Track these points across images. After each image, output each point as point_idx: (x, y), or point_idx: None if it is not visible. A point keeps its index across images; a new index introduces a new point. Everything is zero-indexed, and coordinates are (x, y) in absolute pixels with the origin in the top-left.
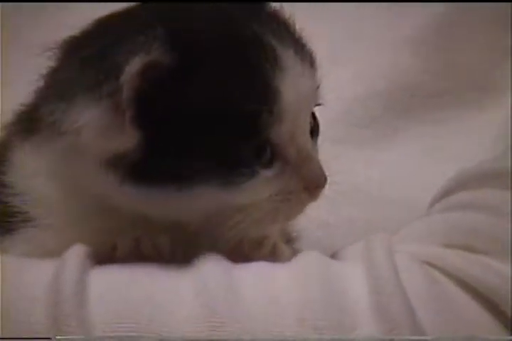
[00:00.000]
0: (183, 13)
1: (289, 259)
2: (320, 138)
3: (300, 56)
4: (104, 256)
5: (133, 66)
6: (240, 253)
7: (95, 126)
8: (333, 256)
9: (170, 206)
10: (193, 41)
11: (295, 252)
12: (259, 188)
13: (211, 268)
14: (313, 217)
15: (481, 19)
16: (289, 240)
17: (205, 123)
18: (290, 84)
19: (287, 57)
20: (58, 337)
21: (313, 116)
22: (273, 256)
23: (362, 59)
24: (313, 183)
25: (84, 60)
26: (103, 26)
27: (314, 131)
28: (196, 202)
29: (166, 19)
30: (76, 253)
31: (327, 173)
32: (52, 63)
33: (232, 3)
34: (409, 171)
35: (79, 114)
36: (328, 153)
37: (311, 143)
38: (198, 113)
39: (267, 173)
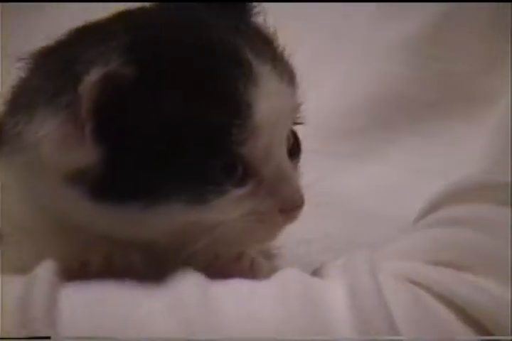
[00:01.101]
0: (152, 23)
1: (267, 276)
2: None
3: (278, 73)
4: (75, 272)
5: (91, 76)
6: (216, 269)
7: (54, 139)
8: (314, 273)
9: (135, 224)
10: (159, 52)
11: (274, 269)
12: (229, 207)
13: (186, 284)
14: (292, 233)
15: (472, 27)
16: (268, 257)
17: (169, 138)
18: (264, 101)
19: (264, 73)
20: (58, 337)
21: (295, 135)
22: (251, 272)
23: (346, 67)
24: (288, 205)
25: (49, 71)
26: (73, 36)
27: (294, 150)
28: (162, 220)
29: (133, 29)
30: (45, 270)
31: (306, 187)
32: (22, 73)
33: (211, 13)
34: (394, 184)
35: (39, 125)
36: (308, 165)
37: (290, 163)
38: (162, 127)
39: (237, 192)
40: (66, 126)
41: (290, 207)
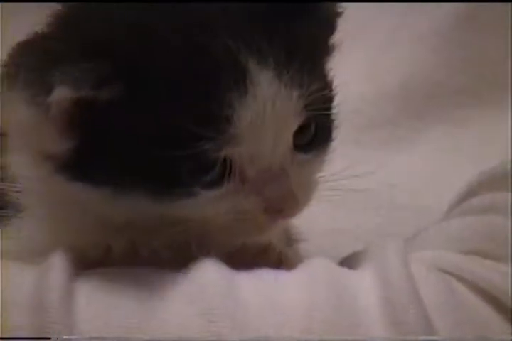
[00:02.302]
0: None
1: (295, 267)
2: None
3: (281, 76)
4: (96, 258)
5: (60, 92)
6: (242, 260)
7: (27, 124)
8: (342, 262)
9: (110, 207)
10: (132, 59)
11: (301, 259)
12: (200, 207)
13: (208, 274)
14: (320, 223)
15: (502, 13)
16: (293, 245)
17: (138, 139)
18: (255, 107)
19: (261, 79)
20: (58, 337)
21: (319, 126)
22: (279, 264)
23: (374, 54)
24: (274, 205)
25: (29, 66)
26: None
27: (313, 143)
28: (134, 209)
29: (108, 45)
30: (60, 258)
31: (335, 176)
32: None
33: (214, 11)
34: (425, 174)
35: (15, 109)
36: (336, 155)
37: (289, 160)
38: (131, 128)
39: (209, 193)
40: (38, 117)
41: (276, 207)
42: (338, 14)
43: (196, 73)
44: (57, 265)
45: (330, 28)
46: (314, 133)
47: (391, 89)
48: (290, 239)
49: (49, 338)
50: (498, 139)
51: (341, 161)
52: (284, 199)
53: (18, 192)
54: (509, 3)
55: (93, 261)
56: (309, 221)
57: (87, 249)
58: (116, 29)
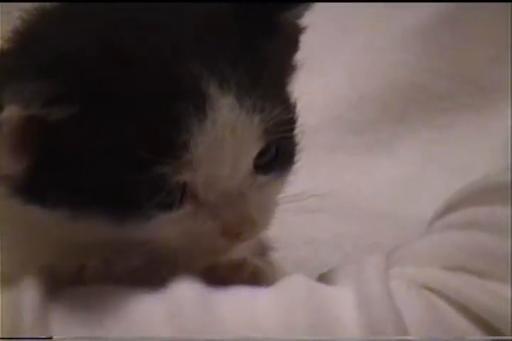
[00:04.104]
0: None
1: (271, 284)
2: (308, 145)
3: (243, 102)
4: (70, 277)
5: (12, 110)
6: (217, 277)
7: None
8: (321, 278)
9: (66, 229)
10: (92, 81)
11: (278, 272)
12: (158, 229)
13: (186, 291)
14: (298, 233)
15: (487, 16)
16: (266, 250)
17: (90, 162)
18: (213, 133)
19: (221, 104)
20: (58, 337)
21: (282, 147)
22: (254, 280)
23: (355, 57)
24: (231, 229)
25: None
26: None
27: (276, 164)
28: (90, 231)
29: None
30: (32, 281)
31: (313, 185)
32: None
33: (178, 31)
34: (407, 182)
35: None
36: (316, 161)
37: (251, 182)
38: (86, 149)
39: (166, 216)
40: None
41: (234, 230)
42: (302, 31)
43: (154, 95)
44: (29, 287)
45: (293, 46)
46: (275, 155)
47: (373, 93)
48: (264, 248)
49: (50, 338)
50: (482, 147)
51: (324, 167)
52: (241, 223)
53: None
54: (492, 4)
55: (67, 280)
56: (286, 230)
57: (59, 269)
58: (74, 47)
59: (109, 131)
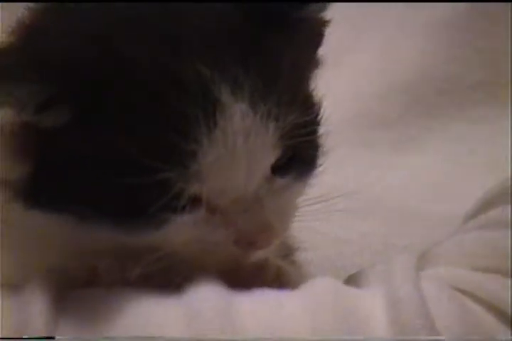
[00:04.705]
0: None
1: (296, 285)
2: (332, 141)
3: (257, 109)
4: (82, 279)
5: (5, 115)
6: (238, 279)
7: None
8: (348, 280)
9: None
10: (92, 85)
11: (303, 276)
12: (167, 237)
13: (206, 294)
14: (324, 233)
15: None
16: (290, 251)
17: (93, 168)
18: (224, 143)
19: (233, 111)
20: (58, 337)
21: (300, 151)
22: (277, 282)
23: (381, 48)
24: (244, 237)
25: None
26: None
27: (292, 167)
28: (96, 236)
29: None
30: (41, 284)
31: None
32: None
33: (188, 32)
34: (437, 179)
35: None
36: (341, 158)
37: (269, 186)
38: (86, 156)
39: (175, 223)
40: None
41: (246, 239)
42: (325, 24)
43: (160, 101)
44: (37, 291)
45: (316, 41)
46: (295, 157)
47: (401, 85)
48: (288, 249)
49: (51, 337)
50: None
51: (350, 164)
52: (257, 230)
53: None
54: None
55: (78, 283)
56: (311, 230)
57: (69, 272)
58: (74, 47)
59: (110, 138)
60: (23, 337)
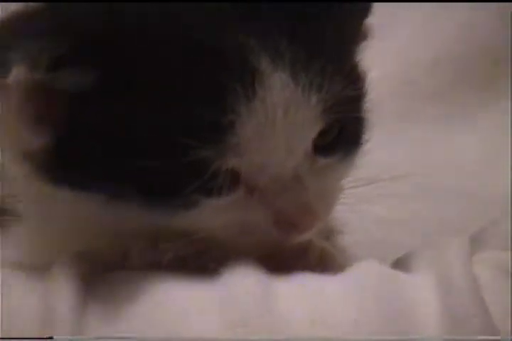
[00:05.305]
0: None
1: (341, 269)
2: (377, 115)
3: (298, 79)
4: (113, 262)
5: (19, 73)
6: (280, 261)
7: None
8: (396, 264)
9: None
10: (119, 50)
11: (348, 257)
12: (204, 218)
13: (244, 277)
14: (370, 215)
15: None
16: (335, 234)
17: (123, 145)
18: (263, 114)
19: (273, 81)
20: (58, 337)
21: (343, 126)
22: (321, 266)
23: (427, 16)
24: (286, 219)
25: None
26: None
27: (337, 146)
28: (134, 220)
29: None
30: (67, 267)
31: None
32: None
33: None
34: (492, 158)
35: None
36: (387, 133)
37: (309, 166)
38: (114, 129)
39: (212, 204)
40: (4, 109)
41: (288, 221)
42: None
43: (193, 69)
44: (64, 276)
45: (363, 11)
46: (338, 135)
47: (451, 55)
48: (333, 231)
49: (50, 338)
50: None
51: (397, 141)
52: (298, 212)
53: (12, 196)
54: None
55: (110, 265)
56: (357, 211)
57: (101, 254)
58: (100, 8)
59: (139, 108)
60: (23, 337)
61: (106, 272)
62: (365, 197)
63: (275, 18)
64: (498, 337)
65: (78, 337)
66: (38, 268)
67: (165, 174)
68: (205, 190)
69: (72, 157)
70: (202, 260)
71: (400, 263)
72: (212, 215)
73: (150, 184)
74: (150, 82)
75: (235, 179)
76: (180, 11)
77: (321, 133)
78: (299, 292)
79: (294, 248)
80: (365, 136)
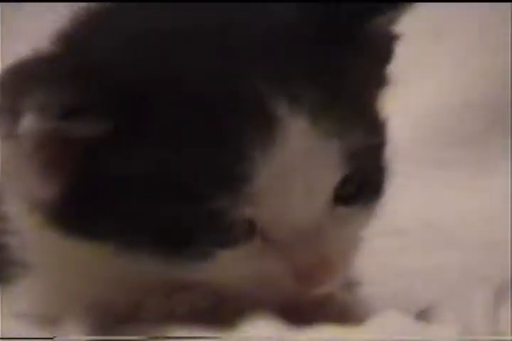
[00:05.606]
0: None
1: (362, 322)
2: (403, 161)
3: (318, 126)
4: (126, 314)
5: (29, 122)
6: (300, 314)
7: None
8: (420, 315)
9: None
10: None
11: (369, 308)
12: (218, 270)
13: (259, 330)
14: (391, 265)
15: None
16: (354, 286)
17: (136, 192)
18: (281, 163)
19: (292, 128)
20: (58, 338)
21: (363, 174)
22: (341, 318)
23: (455, 61)
24: (303, 270)
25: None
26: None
27: (357, 195)
28: (148, 272)
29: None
30: (79, 322)
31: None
32: None
33: (242, 44)
34: None
35: None
36: (413, 180)
37: (331, 216)
38: (126, 179)
39: (228, 254)
40: (14, 152)
41: (305, 272)
42: (395, 39)
43: (208, 115)
44: (77, 326)
45: (385, 55)
46: (359, 183)
47: (480, 100)
48: (353, 283)
49: (50, 338)
50: None
51: (422, 188)
52: (317, 264)
53: (22, 247)
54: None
55: (123, 318)
56: (377, 262)
57: (113, 305)
58: (112, 55)
59: (153, 156)
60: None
61: (118, 323)
62: (386, 248)
63: (293, 62)
64: (499, 337)
65: (78, 338)
66: (48, 319)
67: (179, 223)
68: (221, 240)
69: (84, 205)
70: (218, 312)
71: (423, 315)
72: (227, 266)
73: (163, 233)
74: (164, 129)
75: (251, 229)
76: (195, 56)
77: (342, 182)
78: None
79: (313, 299)
80: (386, 185)
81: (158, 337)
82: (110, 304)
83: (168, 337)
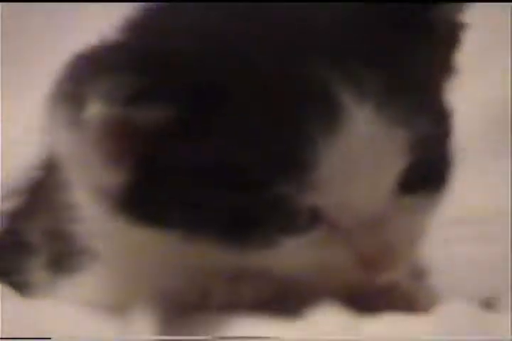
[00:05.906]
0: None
1: (427, 310)
2: (468, 151)
3: (383, 113)
4: (193, 302)
5: (94, 108)
6: (365, 302)
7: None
8: (484, 304)
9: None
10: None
11: (435, 298)
12: (282, 257)
13: (325, 318)
14: (457, 254)
15: None
16: (421, 275)
17: (200, 179)
18: (346, 150)
19: (357, 116)
20: (58, 338)
21: (428, 163)
22: (406, 307)
23: None
24: (367, 258)
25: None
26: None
27: (422, 183)
28: (213, 258)
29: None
30: (146, 311)
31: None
32: None
33: (307, 32)
34: None
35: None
36: (481, 171)
37: (395, 204)
38: (192, 163)
39: (292, 242)
40: (79, 140)
41: (370, 260)
42: (462, 28)
43: (273, 102)
44: (144, 314)
45: (452, 45)
46: (424, 172)
47: None
48: (419, 271)
49: (49, 338)
50: None
51: (488, 178)
52: (381, 252)
53: (89, 235)
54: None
55: (190, 305)
56: (445, 250)
57: (179, 293)
58: (185, 40)
59: (218, 144)
60: (23, 337)
61: (185, 312)
62: (454, 237)
63: (358, 51)
64: (498, 337)
65: (77, 338)
66: (115, 307)
67: (245, 211)
68: (285, 227)
69: (151, 193)
70: (282, 300)
71: (488, 304)
72: (291, 254)
73: (230, 221)
74: (229, 117)
75: (316, 216)
76: (263, 45)
77: (406, 171)
78: (387, 333)
79: (377, 287)
80: (452, 174)
81: (224, 337)
82: (177, 292)
83: (234, 338)
